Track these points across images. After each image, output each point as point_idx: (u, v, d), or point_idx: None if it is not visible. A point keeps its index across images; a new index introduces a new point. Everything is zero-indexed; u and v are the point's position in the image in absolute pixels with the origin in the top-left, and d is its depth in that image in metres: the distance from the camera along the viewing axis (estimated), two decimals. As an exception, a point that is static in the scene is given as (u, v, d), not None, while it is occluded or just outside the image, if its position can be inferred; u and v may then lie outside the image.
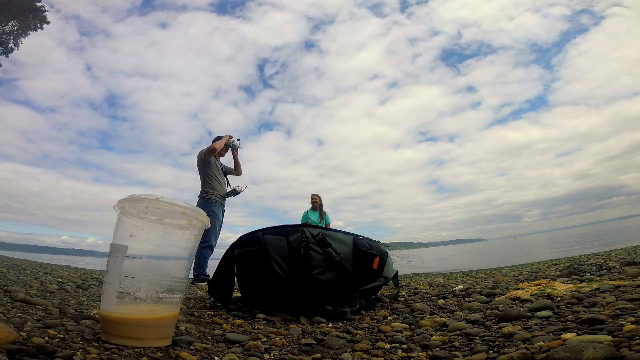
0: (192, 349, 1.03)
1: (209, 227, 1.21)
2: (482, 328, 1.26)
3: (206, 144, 4.07)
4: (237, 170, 4.33)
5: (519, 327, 1.17)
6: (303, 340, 1.23)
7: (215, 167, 4.01)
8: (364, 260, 1.92)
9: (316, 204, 5.96)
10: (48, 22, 15.28)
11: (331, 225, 5.78)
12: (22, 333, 0.89)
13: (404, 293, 2.55)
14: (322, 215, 6.04)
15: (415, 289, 2.84)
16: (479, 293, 2.09)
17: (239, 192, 4.12)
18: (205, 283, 3.53)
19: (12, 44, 14.83)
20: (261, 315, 1.61)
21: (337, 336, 1.28)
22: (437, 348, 1.10)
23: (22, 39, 15.05)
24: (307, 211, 5.99)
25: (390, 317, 1.68)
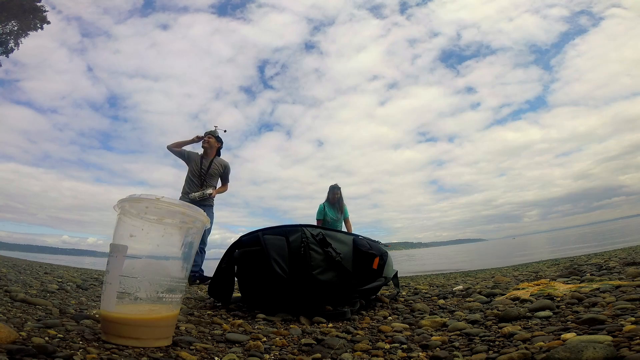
0: (192, 349, 1.03)
1: (209, 227, 1.21)
2: (482, 328, 1.26)
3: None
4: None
5: (519, 327, 1.17)
6: (303, 340, 1.23)
7: (191, 167, 3.91)
8: (364, 260, 1.92)
9: (335, 197, 5.26)
10: (48, 22, 15.30)
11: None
12: (22, 333, 0.89)
13: (404, 293, 2.55)
14: (341, 209, 5.32)
15: (415, 289, 2.84)
16: (479, 293, 2.09)
17: (204, 197, 3.80)
18: (198, 281, 3.57)
19: (12, 44, 14.84)
20: (261, 315, 1.61)
21: (337, 336, 1.28)
22: (437, 348, 1.10)
23: (22, 39, 15.07)
24: (324, 204, 5.28)
25: (390, 317, 1.68)
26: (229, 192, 4.26)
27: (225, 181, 4.11)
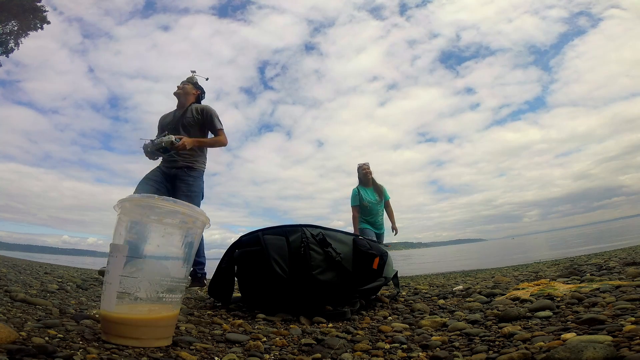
0: (192, 349, 1.03)
1: (209, 226, 1.20)
2: (482, 328, 1.26)
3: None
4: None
5: (519, 327, 1.17)
6: (303, 340, 1.23)
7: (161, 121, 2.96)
8: (364, 261, 1.92)
9: (368, 176, 4.43)
10: (48, 22, 15.30)
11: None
12: (22, 333, 0.89)
13: (404, 293, 2.55)
14: (380, 191, 4.45)
15: (415, 289, 2.84)
16: (479, 293, 2.09)
17: (162, 146, 2.61)
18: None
19: (13, 44, 14.86)
20: (261, 315, 1.61)
21: (337, 336, 1.28)
22: (437, 348, 1.10)
23: (23, 39, 15.08)
24: (357, 188, 4.47)
25: (390, 317, 1.68)
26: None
27: (214, 129, 2.89)
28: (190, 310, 1.67)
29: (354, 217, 4.41)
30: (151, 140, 2.71)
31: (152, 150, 2.70)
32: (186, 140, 2.66)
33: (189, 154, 2.77)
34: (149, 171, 2.81)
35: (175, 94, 3.00)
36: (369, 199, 4.39)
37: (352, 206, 4.45)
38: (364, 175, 4.45)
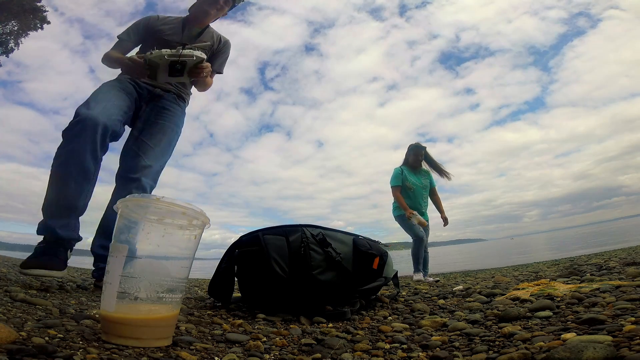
0: (192, 349, 1.03)
1: (209, 226, 1.19)
2: (482, 328, 1.26)
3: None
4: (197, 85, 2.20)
5: (519, 327, 1.17)
6: (303, 340, 1.23)
7: (156, 36, 2.09)
8: (364, 260, 1.92)
9: (420, 159, 4.00)
10: (48, 22, 15.31)
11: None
12: (22, 333, 0.88)
13: (404, 293, 2.55)
14: (428, 174, 4.10)
15: (415, 289, 2.84)
16: (479, 293, 2.09)
17: (185, 61, 1.73)
18: None
19: (13, 44, 14.87)
20: (261, 315, 1.61)
21: (337, 336, 1.28)
22: (437, 348, 1.10)
23: (23, 39, 15.10)
24: (402, 168, 4.01)
25: (390, 317, 1.68)
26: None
27: (219, 69, 2.25)
28: (190, 310, 1.67)
29: (398, 198, 3.90)
30: (175, 50, 1.74)
31: (164, 64, 1.77)
32: (208, 66, 1.89)
33: (182, 84, 2.12)
34: (113, 82, 2.07)
35: (210, 6, 2.12)
36: (415, 181, 3.97)
37: (393, 186, 3.96)
38: (415, 157, 4.01)
